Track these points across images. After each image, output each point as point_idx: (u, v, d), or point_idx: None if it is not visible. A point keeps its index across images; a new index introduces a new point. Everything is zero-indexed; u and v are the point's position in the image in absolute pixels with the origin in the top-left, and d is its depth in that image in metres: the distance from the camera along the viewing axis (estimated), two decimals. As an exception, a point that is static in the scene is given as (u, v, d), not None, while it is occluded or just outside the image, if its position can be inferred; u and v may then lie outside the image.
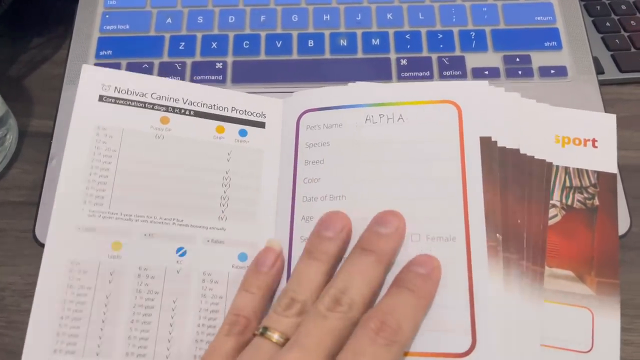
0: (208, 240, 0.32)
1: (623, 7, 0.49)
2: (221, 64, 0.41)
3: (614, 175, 0.32)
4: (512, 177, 0.31)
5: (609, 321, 0.29)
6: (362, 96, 0.34)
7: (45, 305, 0.29)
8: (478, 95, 0.33)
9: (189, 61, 0.41)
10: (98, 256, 0.30)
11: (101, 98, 0.33)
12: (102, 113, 0.33)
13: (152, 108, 0.34)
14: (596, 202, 0.31)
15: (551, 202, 0.31)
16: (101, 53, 0.42)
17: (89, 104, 0.33)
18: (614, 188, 0.32)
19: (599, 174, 0.32)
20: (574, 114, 0.33)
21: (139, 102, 0.33)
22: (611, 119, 0.33)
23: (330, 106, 0.35)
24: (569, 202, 0.31)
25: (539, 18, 0.43)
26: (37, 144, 0.42)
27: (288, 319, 0.28)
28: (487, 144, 0.32)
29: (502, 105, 0.33)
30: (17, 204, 0.39)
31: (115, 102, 0.33)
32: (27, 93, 0.45)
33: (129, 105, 0.33)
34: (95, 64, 0.41)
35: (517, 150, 0.32)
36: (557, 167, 0.32)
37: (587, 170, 0.32)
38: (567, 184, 0.32)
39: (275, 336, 0.27)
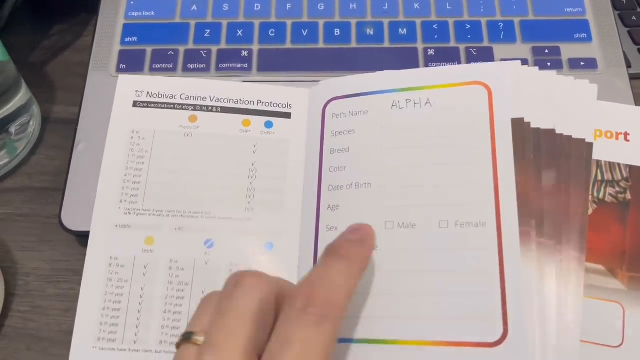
0: (235, 232, 0.33)
1: (650, 0, 0.48)
2: (247, 52, 0.41)
3: (647, 169, 0.31)
4: (548, 159, 0.30)
5: (640, 316, 0.29)
6: (388, 82, 0.34)
7: (90, 298, 0.31)
8: (509, 76, 0.32)
9: (214, 49, 0.41)
10: (133, 251, 0.32)
11: (135, 104, 0.35)
12: (136, 117, 0.35)
13: (181, 108, 0.35)
14: (628, 196, 0.31)
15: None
16: (126, 39, 0.41)
17: (124, 111, 0.35)
18: (646, 182, 0.31)
19: (631, 168, 0.31)
20: (606, 106, 0.33)
21: (169, 103, 0.36)
22: (644, 112, 0.33)
23: (356, 93, 0.34)
24: (601, 196, 0.31)
25: (568, 9, 0.42)
26: (60, 130, 0.42)
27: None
28: (519, 125, 0.31)
29: (536, 84, 0.32)
30: (41, 189, 0.39)
31: (147, 106, 0.35)
32: (49, 80, 0.45)
33: (160, 107, 0.35)
34: (121, 51, 0.41)
35: (553, 131, 0.31)
36: (589, 160, 0.31)
37: (619, 164, 0.31)
38: (599, 177, 0.31)
39: None
